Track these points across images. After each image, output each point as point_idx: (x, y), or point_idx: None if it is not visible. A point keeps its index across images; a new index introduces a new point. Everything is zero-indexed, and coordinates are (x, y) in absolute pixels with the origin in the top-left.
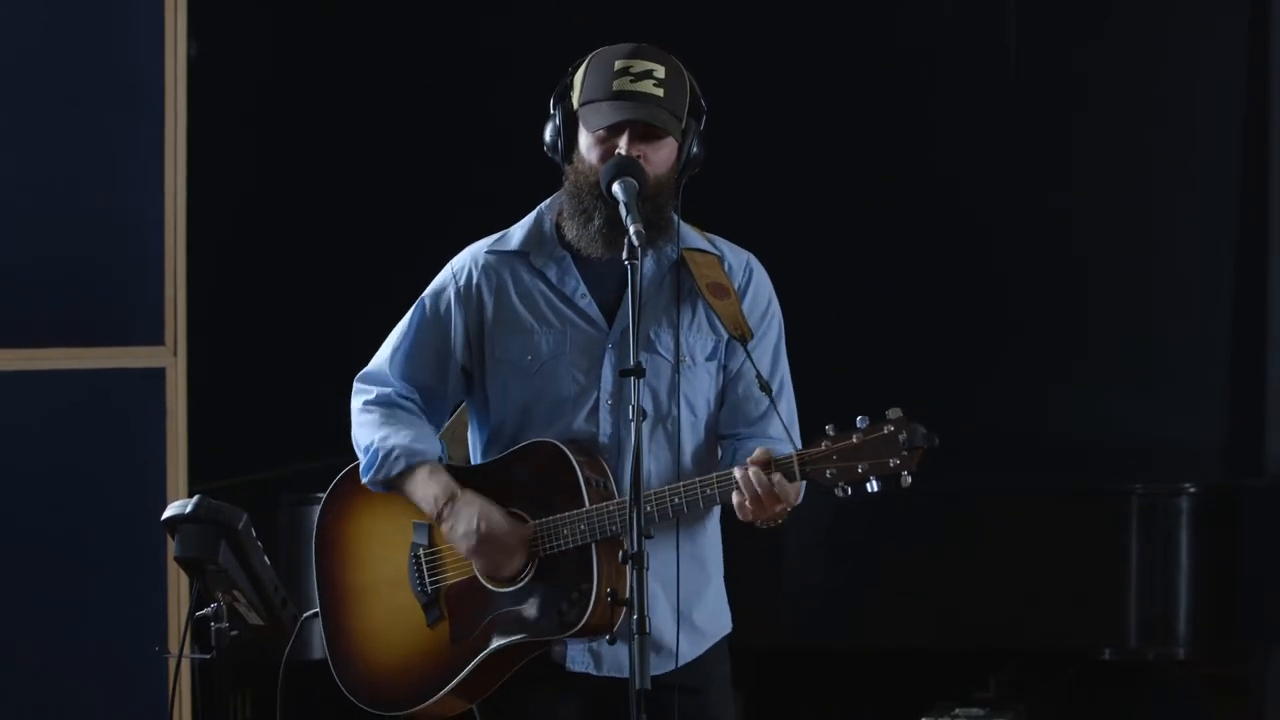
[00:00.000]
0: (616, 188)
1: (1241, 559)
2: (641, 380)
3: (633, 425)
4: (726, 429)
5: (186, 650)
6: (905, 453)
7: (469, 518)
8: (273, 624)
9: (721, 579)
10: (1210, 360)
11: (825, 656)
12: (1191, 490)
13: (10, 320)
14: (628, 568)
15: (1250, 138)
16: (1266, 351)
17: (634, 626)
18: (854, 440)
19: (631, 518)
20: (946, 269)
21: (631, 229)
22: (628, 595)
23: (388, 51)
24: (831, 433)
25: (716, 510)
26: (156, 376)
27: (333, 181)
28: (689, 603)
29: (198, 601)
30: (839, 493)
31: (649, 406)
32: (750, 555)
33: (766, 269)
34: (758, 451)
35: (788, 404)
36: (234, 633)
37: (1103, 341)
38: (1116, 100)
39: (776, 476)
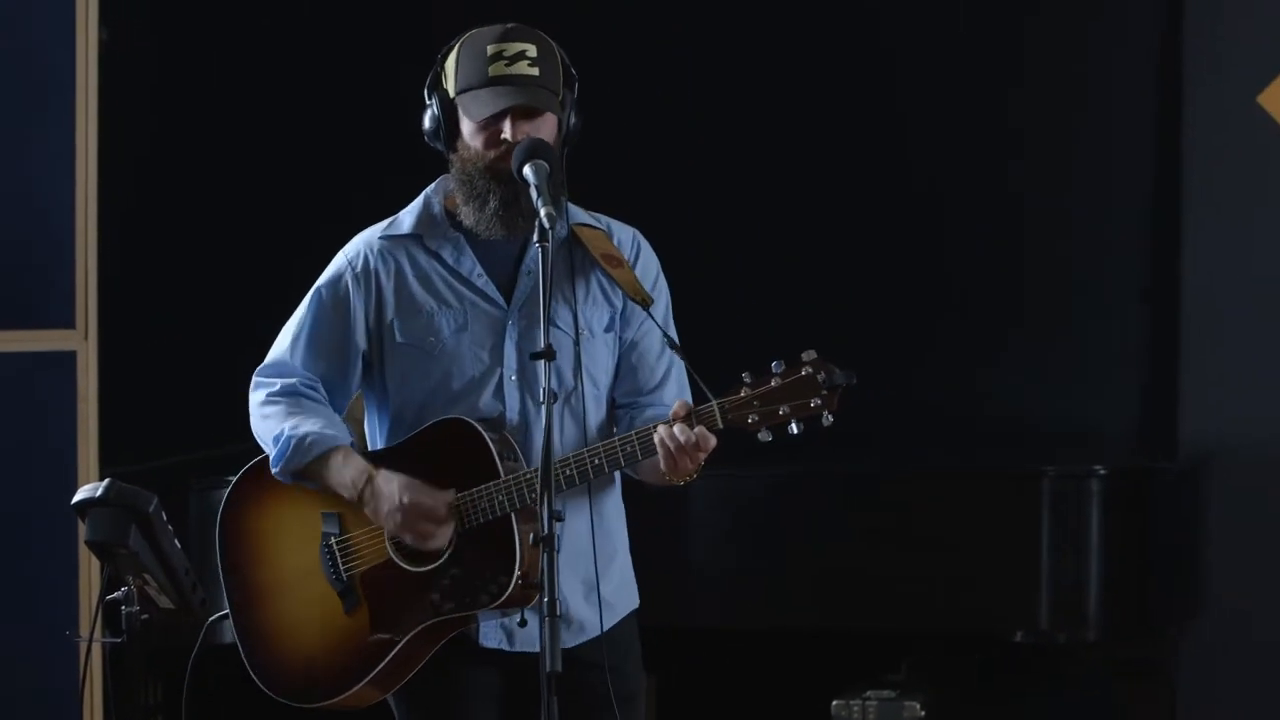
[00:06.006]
0: (528, 170)
1: (1153, 542)
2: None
3: (543, 406)
4: (622, 398)
5: (97, 634)
6: (825, 392)
7: (390, 494)
8: (184, 608)
9: (628, 553)
10: (1124, 344)
11: (737, 639)
12: (1102, 473)
13: None
14: (539, 549)
15: (1163, 129)
16: (1180, 335)
17: (544, 609)
18: (773, 384)
19: (541, 501)
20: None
21: (542, 211)
22: (538, 579)
23: (297, 37)
24: (749, 379)
25: (619, 484)
26: (67, 360)
27: (243, 167)
28: (596, 575)
29: (108, 585)
30: (762, 437)
31: (554, 382)
32: (660, 536)
33: (697, 246)
34: (677, 405)
35: (679, 377)
36: (144, 617)
37: (1016, 325)
38: (1038, 91)
39: (699, 429)
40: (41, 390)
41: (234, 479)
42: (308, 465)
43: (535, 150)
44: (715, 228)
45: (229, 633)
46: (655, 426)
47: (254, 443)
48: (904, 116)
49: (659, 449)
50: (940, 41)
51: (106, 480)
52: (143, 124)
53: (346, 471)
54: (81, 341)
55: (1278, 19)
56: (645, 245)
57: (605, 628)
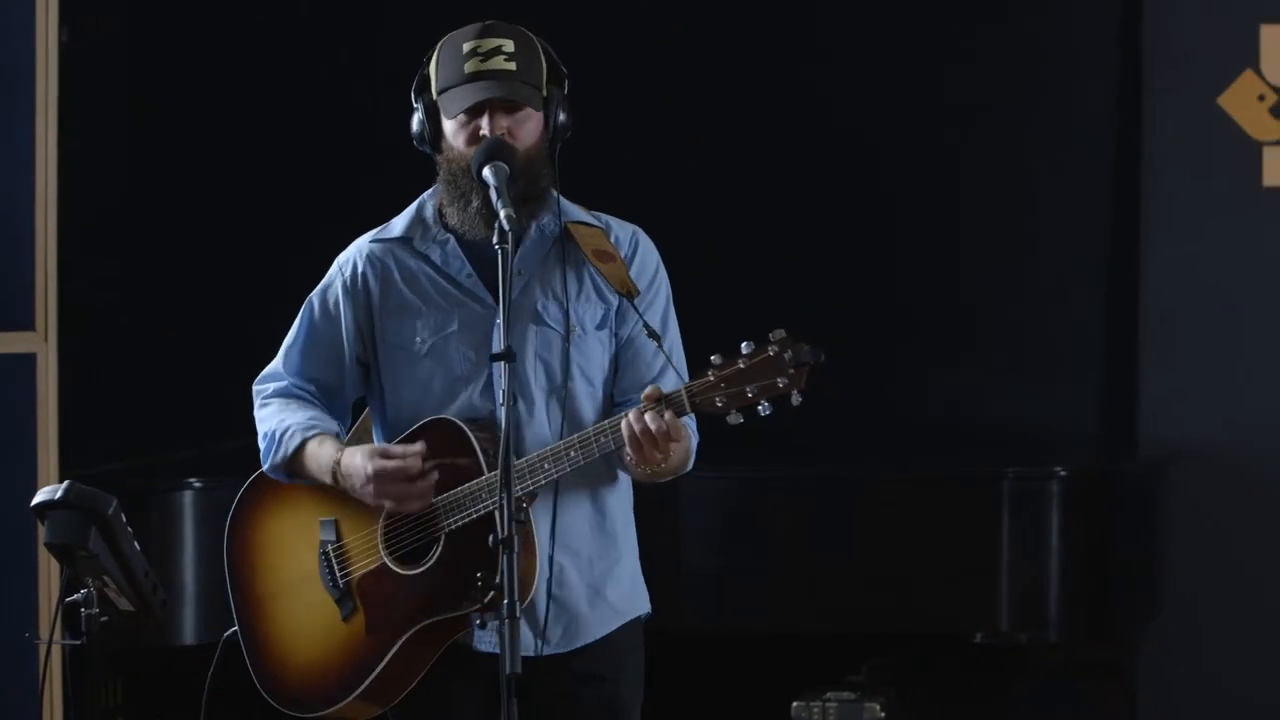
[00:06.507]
0: (487, 172)
1: (1113, 542)
2: (535, 355)
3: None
4: (620, 395)
5: (57, 636)
6: (792, 371)
7: (357, 468)
8: (143, 609)
9: (636, 556)
10: (1084, 344)
11: (696, 642)
12: (1062, 474)
13: None
14: (512, 547)
15: (1123, 126)
16: (1139, 335)
17: (503, 611)
18: (740, 366)
19: (502, 502)
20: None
21: (502, 214)
22: (503, 578)
23: (264, 32)
24: (717, 361)
25: (629, 486)
26: (27, 362)
27: (205, 168)
28: (600, 578)
29: (68, 587)
30: (732, 420)
31: (543, 380)
32: None
33: (697, 246)
34: (648, 389)
35: (678, 369)
36: (104, 619)
37: (977, 327)
38: (1001, 95)
39: (668, 414)
40: (1, 392)
41: (236, 498)
42: (291, 459)
43: (494, 151)
44: (715, 228)
45: (189, 633)
46: (625, 414)
47: (219, 445)
48: (888, 121)
49: (625, 435)
50: (924, 50)
51: (66, 482)
52: (104, 124)
53: (321, 457)
54: (41, 343)
55: (1238, 20)
56: (645, 242)
57: (606, 632)
